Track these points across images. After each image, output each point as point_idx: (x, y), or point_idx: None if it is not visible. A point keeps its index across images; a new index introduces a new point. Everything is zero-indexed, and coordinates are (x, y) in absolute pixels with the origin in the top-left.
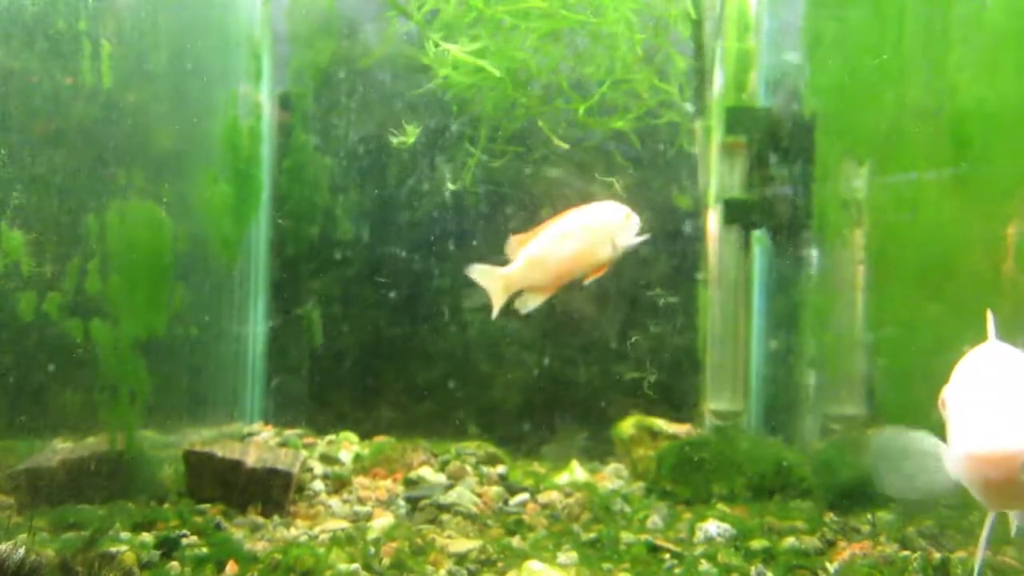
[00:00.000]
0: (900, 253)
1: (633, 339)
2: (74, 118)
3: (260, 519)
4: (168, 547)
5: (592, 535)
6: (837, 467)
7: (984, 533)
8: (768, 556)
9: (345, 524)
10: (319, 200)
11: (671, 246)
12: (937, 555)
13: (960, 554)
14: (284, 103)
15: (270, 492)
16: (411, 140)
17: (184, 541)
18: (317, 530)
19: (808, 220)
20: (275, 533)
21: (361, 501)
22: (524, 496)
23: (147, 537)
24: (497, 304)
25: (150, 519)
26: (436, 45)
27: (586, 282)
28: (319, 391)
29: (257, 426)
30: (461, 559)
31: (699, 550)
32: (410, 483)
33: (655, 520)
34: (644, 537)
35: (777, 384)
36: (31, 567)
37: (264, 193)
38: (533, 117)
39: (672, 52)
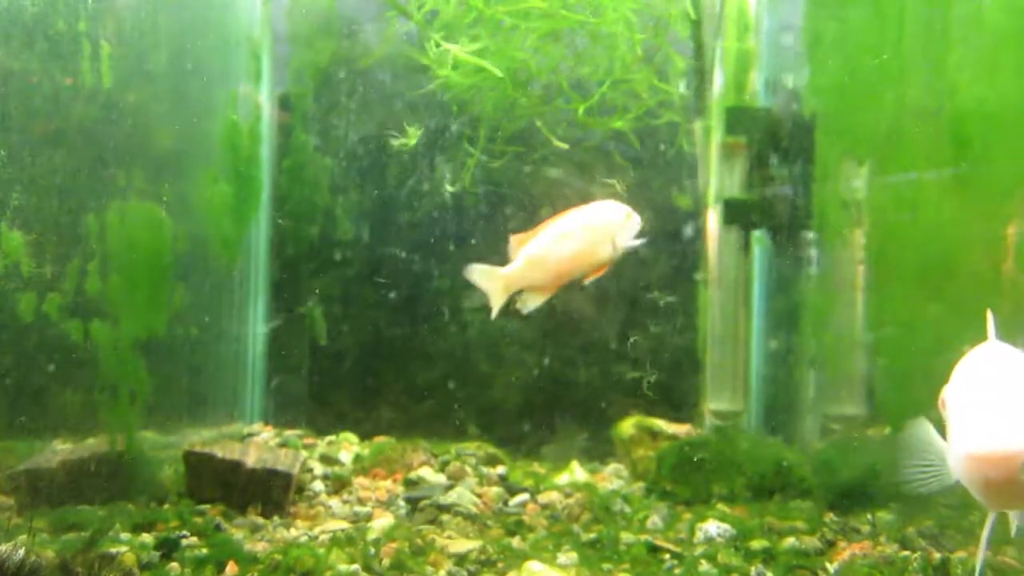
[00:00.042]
0: (900, 253)
1: (633, 339)
2: (74, 118)
3: (260, 520)
4: (168, 548)
5: (592, 535)
6: (837, 467)
7: (985, 533)
8: (768, 556)
9: (345, 525)
10: (319, 200)
11: (671, 246)
12: (937, 555)
13: (960, 554)
14: (284, 103)
15: (270, 493)
16: (412, 142)
17: (184, 542)
18: (317, 531)
19: (808, 220)
20: (275, 534)
21: (361, 502)
22: (524, 497)
23: (147, 538)
24: (497, 304)
25: (150, 520)
26: (437, 45)
27: (586, 282)
28: (319, 391)
29: (257, 427)
30: (461, 559)
31: (699, 550)
32: (410, 483)
33: (655, 520)
34: (644, 537)
35: (777, 384)
36: (31, 568)
37: (264, 193)
38: (533, 117)
39: (671, 52)
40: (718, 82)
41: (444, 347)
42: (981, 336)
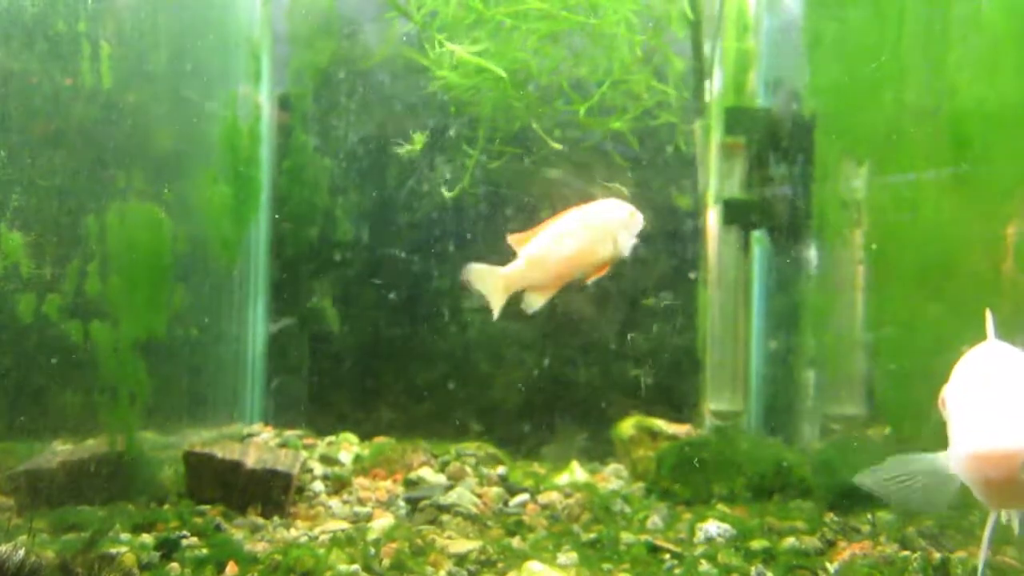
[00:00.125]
0: (900, 253)
1: (631, 336)
2: (74, 119)
3: (260, 520)
4: (168, 548)
5: (592, 536)
6: (837, 467)
7: (986, 533)
8: (768, 556)
9: (345, 525)
10: (319, 201)
11: (671, 246)
12: (937, 555)
13: (960, 554)
14: (284, 104)
15: (270, 493)
16: (419, 147)
17: (184, 542)
18: (317, 531)
19: (808, 220)
20: (275, 534)
21: (361, 502)
22: (524, 497)
23: (147, 538)
24: (498, 305)
25: (150, 520)
26: (440, 45)
27: (588, 281)
28: (319, 392)
29: (257, 427)
30: (461, 560)
31: (699, 550)
32: (410, 484)
33: (655, 520)
34: (644, 537)
35: (777, 384)
36: (31, 568)
37: (264, 194)
38: (532, 118)
39: (669, 54)
40: (717, 82)
41: (444, 347)
42: (981, 336)
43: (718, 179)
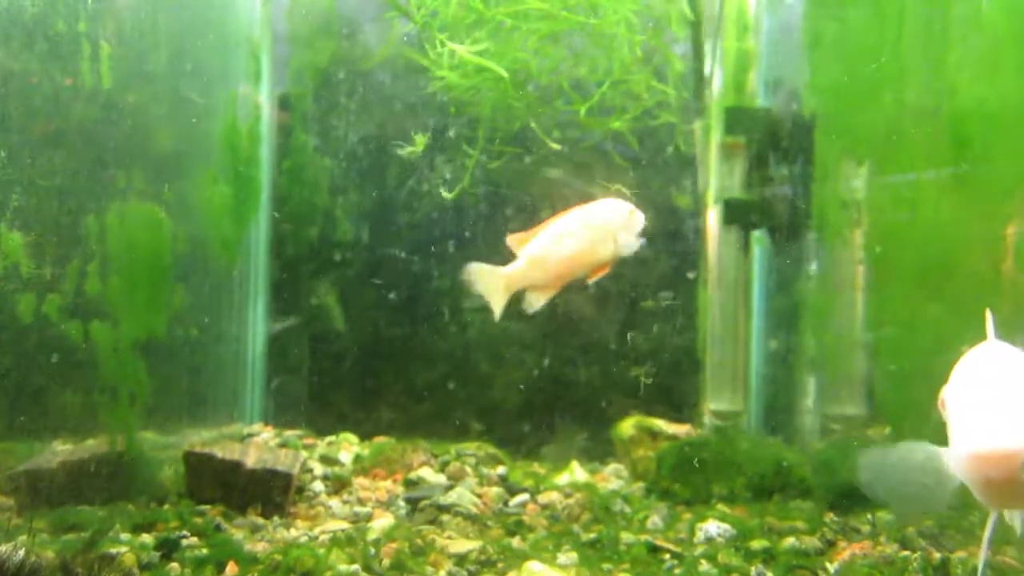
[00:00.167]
0: (900, 253)
1: (630, 335)
2: (74, 119)
3: (260, 520)
4: (168, 548)
5: (592, 536)
6: (837, 467)
7: (987, 533)
8: (768, 556)
9: (345, 525)
10: (319, 201)
11: (671, 246)
12: (937, 555)
13: (960, 554)
14: (284, 104)
15: (270, 493)
16: (421, 149)
17: (184, 542)
18: (317, 531)
19: (808, 220)
20: (275, 534)
21: (361, 502)
22: (524, 497)
23: (147, 538)
24: (499, 305)
25: (150, 520)
26: (442, 45)
27: (590, 281)
28: (319, 392)
29: (257, 427)
30: (461, 560)
31: (699, 550)
32: (410, 484)
33: (655, 520)
34: (644, 537)
35: (777, 384)
36: (31, 568)
37: (264, 194)
38: (532, 118)
39: (669, 54)
40: (717, 82)
41: (444, 347)
42: (981, 336)
43: (718, 179)
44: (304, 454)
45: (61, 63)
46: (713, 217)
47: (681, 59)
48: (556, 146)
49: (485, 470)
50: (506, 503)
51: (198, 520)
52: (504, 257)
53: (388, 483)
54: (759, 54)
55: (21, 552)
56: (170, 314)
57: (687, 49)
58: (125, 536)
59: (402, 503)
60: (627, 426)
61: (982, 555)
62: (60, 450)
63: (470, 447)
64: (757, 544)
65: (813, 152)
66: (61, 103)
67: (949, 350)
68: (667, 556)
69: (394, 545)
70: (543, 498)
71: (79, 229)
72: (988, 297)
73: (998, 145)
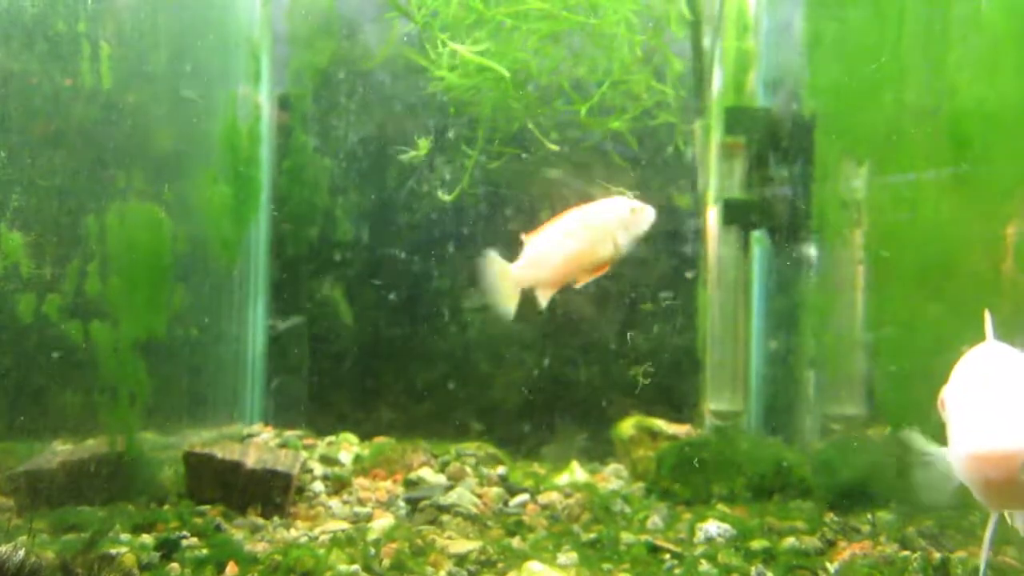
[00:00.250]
0: (900, 253)
1: (631, 335)
2: (74, 119)
3: (260, 520)
4: (168, 548)
5: (592, 536)
6: (837, 467)
7: (987, 534)
8: (768, 556)
9: (345, 525)
10: (319, 201)
11: (671, 246)
12: (937, 555)
13: (960, 554)
14: (283, 104)
15: (270, 493)
16: (424, 152)
17: (184, 542)
18: (317, 531)
19: (808, 220)
20: (275, 534)
21: (361, 502)
22: (524, 497)
23: (147, 539)
24: (510, 301)
25: (150, 520)
26: (444, 45)
27: (592, 277)
28: (319, 392)
29: (257, 427)
30: (461, 560)
31: (699, 550)
32: (410, 484)
33: (655, 520)
34: (644, 537)
35: (777, 384)
36: (31, 569)
37: (263, 194)
38: (532, 117)
39: (668, 54)
40: (717, 82)
41: (444, 347)
42: (980, 336)
43: (718, 179)
44: (304, 454)
45: (61, 63)
46: (713, 217)
47: (681, 59)
48: (554, 147)
49: (485, 470)
50: (506, 503)
51: (198, 520)
52: (507, 257)
53: (388, 483)
54: (759, 54)
55: (21, 552)
56: (170, 314)
57: (684, 49)
58: (125, 536)
59: (402, 503)
60: (627, 426)
61: (983, 555)
62: (60, 450)
63: (470, 447)
64: (757, 544)
65: (813, 152)
66: (61, 103)
67: (949, 350)
68: (667, 556)
69: (394, 545)
70: (543, 498)
71: (79, 229)
72: (988, 297)
73: (998, 145)
